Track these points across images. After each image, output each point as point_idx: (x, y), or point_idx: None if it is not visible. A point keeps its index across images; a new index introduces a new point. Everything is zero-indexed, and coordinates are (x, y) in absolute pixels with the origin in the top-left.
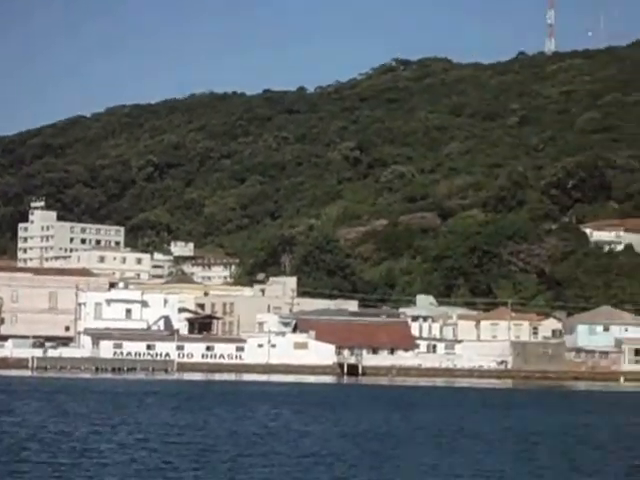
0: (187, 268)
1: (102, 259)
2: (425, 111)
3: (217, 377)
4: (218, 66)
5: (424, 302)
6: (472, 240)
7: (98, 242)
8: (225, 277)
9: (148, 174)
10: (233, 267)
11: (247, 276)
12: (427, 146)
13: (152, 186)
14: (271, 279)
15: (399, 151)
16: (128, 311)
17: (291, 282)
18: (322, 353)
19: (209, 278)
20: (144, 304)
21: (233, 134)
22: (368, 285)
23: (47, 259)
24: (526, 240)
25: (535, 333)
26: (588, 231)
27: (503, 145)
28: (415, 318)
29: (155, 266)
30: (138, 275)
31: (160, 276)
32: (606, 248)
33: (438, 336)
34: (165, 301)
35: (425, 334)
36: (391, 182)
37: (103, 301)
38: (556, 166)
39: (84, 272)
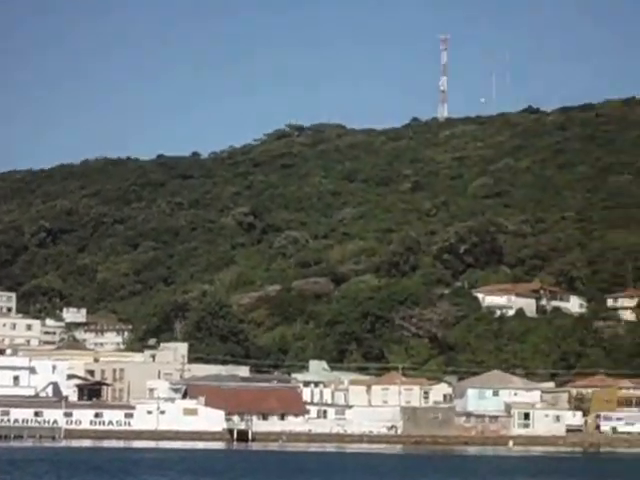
0: (79, 334)
1: None
2: (319, 176)
3: (106, 444)
4: (111, 132)
5: (317, 367)
6: (365, 305)
7: None
8: (118, 343)
9: (40, 240)
10: (126, 333)
11: (139, 342)
12: (321, 211)
13: (44, 252)
14: (162, 345)
15: (293, 216)
16: (15, 378)
17: (182, 348)
18: (212, 419)
19: (101, 344)
20: (32, 370)
21: (126, 199)
22: (261, 351)
23: None
24: (418, 305)
25: (426, 398)
26: (480, 296)
27: (396, 210)
28: (307, 383)
29: (47, 332)
30: (28, 341)
31: (52, 342)
32: (497, 313)
33: (330, 401)
34: (54, 367)
35: (317, 399)
36: (284, 247)
37: None
38: (448, 231)
39: None
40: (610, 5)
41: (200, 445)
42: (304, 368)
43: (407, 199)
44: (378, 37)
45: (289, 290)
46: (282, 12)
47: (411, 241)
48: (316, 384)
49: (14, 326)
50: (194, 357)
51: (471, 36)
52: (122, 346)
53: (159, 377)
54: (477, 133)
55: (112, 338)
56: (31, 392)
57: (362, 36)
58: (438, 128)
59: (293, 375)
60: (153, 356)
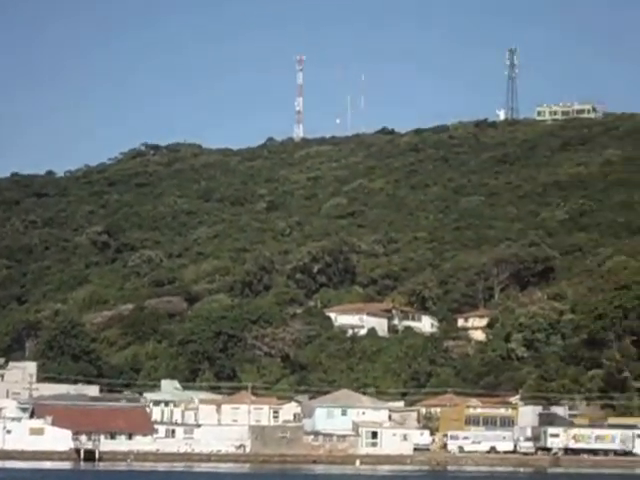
0: None
1: None
2: (174, 196)
3: None
4: None
5: (168, 386)
6: (217, 324)
7: None
8: None
9: None
10: None
11: None
12: (176, 231)
13: None
14: (11, 364)
15: (147, 235)
16: None
17: (31, 367)
18: (58, 439)
19: None
20: None
21: None
22: (114, 370)
23: None
24: (271, 324)
25: (276, 417)
26: (332, 315)
27: (251, 230)
28: (157, 403)
29: None
30: None
31: None
32: (349, 332)
33: (180, 421)
34: None
35: (167, 419)
36: (139, 266)
37: None
38: (301, 251)
39: None
40: (461, 27)
41: (47, 465)
42: (156, 387)
43: (262, 219)
44: (233, 56)
45: (142, 309)
46: (125, 32)
47: (265, 260)
48: (166, 403)
49: None
50: (43, 376)
51: (327, 57)
52: None
53: (7, 396)
54: (332, 153)
55: None
56: None
57: (218, 55)
58: (293, 148)
59: (145, 394)
60: (2, 375)
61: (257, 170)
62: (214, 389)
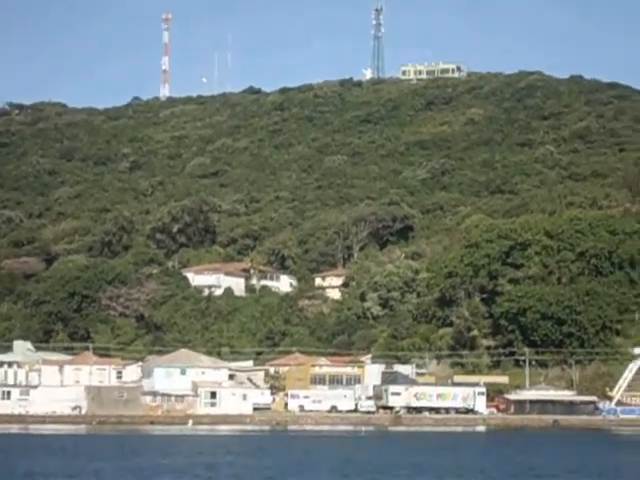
0: None
1: None
2: (37, 155)
3: None
4: None
5: (21, 348)
6: (71, 285)
7: None
8: None
9: None
10: None
11: None
12: (37, 191)
13: None
14: None
15: (8, 196)
16: None
17: None
18: None
19: None
20: None
21: None
22: None
23: None
24: (125, 285)
25: (119, 377)
26: (190, 275)
27: (113, 190)
28: (4, 364)
29: None
30: None
31: None
32: (206, 292)
33: (24, 382)
34: None
35: (11, 381)
36: None
37: None
38: (162, 210)
39: None
40: None
41: None
42: (9, 349)
43: (124, 178)
44: (100, 15)
45: None
46: None
47: (124, 220)
48: (10, 364)
49: None
50: None
51: (193, 16)
52: None
53: None
54: (197, 113)
55: None
56: None
57: (80, 14)
58: (159, 107)
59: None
60: None
61: (121, 129)
62: (68, 350)
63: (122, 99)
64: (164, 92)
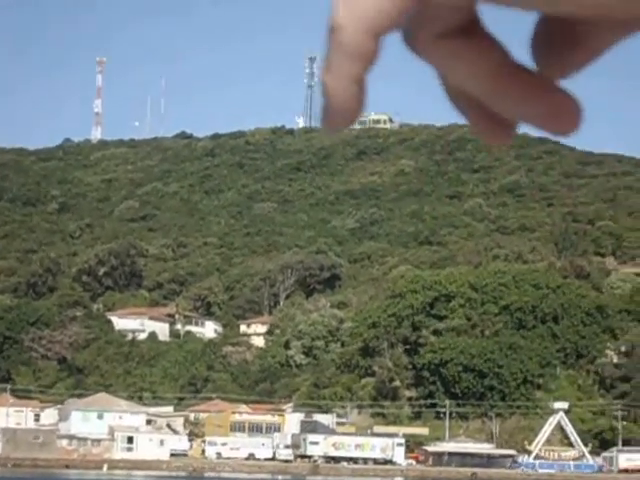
0: None
1: None
2: None
3: None
4: None
5: None
6: None
7: None
8: None
9: None
10: None
11: None
12: None
13: None
14: None
15: None
16: None
17: None
18: None
19: None
20: None
21: None
22: None
23: None
24: (48, 326)
25: (37, 420)
26: (114, 319)
27: (40, 231)
28: None
29: None
30: None
31: None
32: (129, 336)
33: None
34: None
35: None
36: None
37: None
38: (89, 253)
39: None
40: (263, 33)
41: None
42: None
43: (53, 220)
44: (33, 57)
45: None
46: None
47: (50, 262)
48: None
49: None
50: None
51: (127, 60)
52: None
53: None
54: (128, 156)
55: None
56: None
57: (17, 54)
58: (90, 150)
59: None
60: None
61: (51, 171)
62: None
63: (53, 140)
64: (96, 134)
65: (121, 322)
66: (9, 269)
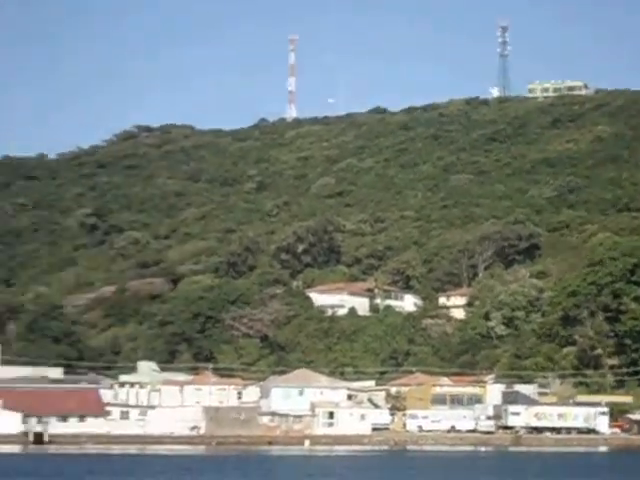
0: None
1: None
2: (164, 177)
3: None
4: None
5: (146, 368)
6: (196, 305)
7: None
8: None
9: None
10: None
11: None
12: (164, 212)
13: None
14: None
15: (136, 217)
16: None
17: None
18: (8, 422)
19: None
20: None
21: None
22: (94, 352)
23: None
24: (249, 305)
25: (240, 398)
26: (314, 295)
27: (238, 211)
28: (122, 385)
29: None
30: None
31: None
32: (329, 312)
33: (146, 403)
34: None
35: (133, 401)
36: (125, 248)
37: None
38: (287, 231)
39: None
40: (453, 6)
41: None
42: (134, 370)
43: (250, 199)
44: (224, 38)
45: (124, 291)
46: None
47: (249, 241)
48: (132, 385)
49: None
50: (5, 359)
51: (321, 37)
52: None
53: None
54: (323, 133)
55: None
56: None
57: (207, 36)
58: (285, 128)
59: (121, 376)
60: None
61: (247, 151)
62: (193, 370)
63: (248, 120)
64: (290, 113)
65: (320, 298)
66: (209, 249)
